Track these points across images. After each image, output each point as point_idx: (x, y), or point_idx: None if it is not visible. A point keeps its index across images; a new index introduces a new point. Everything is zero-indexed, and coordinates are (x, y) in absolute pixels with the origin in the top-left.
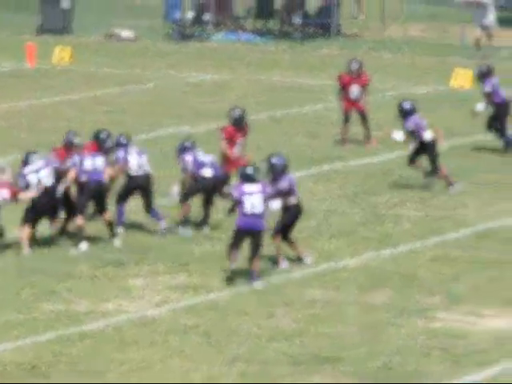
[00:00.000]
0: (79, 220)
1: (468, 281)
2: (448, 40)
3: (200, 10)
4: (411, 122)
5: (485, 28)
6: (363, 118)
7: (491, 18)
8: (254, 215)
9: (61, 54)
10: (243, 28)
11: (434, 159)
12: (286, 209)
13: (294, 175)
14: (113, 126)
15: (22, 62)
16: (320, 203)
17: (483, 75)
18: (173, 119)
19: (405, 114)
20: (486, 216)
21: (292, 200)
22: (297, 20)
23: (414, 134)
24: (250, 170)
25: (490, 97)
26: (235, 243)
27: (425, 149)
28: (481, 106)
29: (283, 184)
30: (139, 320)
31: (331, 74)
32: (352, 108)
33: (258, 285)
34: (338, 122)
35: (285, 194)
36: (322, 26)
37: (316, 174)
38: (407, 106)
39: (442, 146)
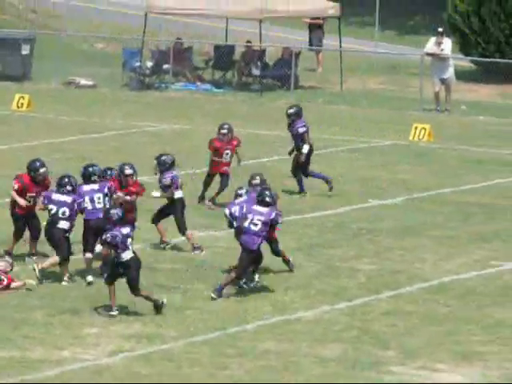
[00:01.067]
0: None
1: (422, 335)
2: (407, 93)
3: (159, 60)
4: (168, 176)
5: (444, 82)
6: (224, 180)
7: (451, 71)
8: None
9: (20, 100)
10: (202, 79)
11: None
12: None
13: None
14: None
15: None
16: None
17: None
18: None
19: (164, 168)
20: (442, 271)
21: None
22: (256, 71)
23: (168, 188)
24: None
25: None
26: None
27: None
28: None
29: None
30: (94, 368)
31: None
32: (217, 171)
33: None
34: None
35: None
36: (281, 77)
37: None
38: (168, 160)
39: (395, 200)
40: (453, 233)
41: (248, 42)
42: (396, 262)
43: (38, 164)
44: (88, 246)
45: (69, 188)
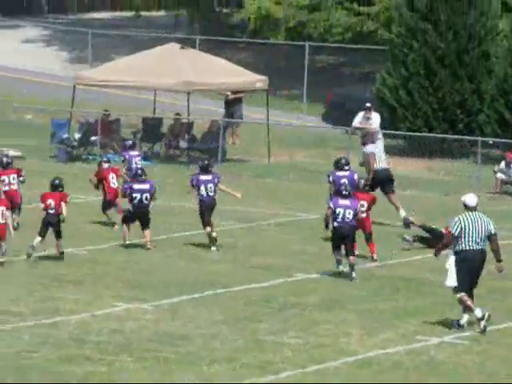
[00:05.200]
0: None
1: None
2: None
3: (87, 132)
4: None
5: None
6: None
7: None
8: None
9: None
10: None
11: None
12: None
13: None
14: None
15: None
16: (201, 329)
17: None
18: None
19: None
20: (368, 345)
21: None
22: (183, 144)
23: None
24: None
25: None
26: None
27: None
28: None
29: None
30: None
31: None
32: None
33: None
34: (225, 247)
35: None
36: (208, 150)
37: (198, 299)
38: None
39: (322, 274)
40: (379, 307)
41: (177, 114)
42: (322, 336)
43: None
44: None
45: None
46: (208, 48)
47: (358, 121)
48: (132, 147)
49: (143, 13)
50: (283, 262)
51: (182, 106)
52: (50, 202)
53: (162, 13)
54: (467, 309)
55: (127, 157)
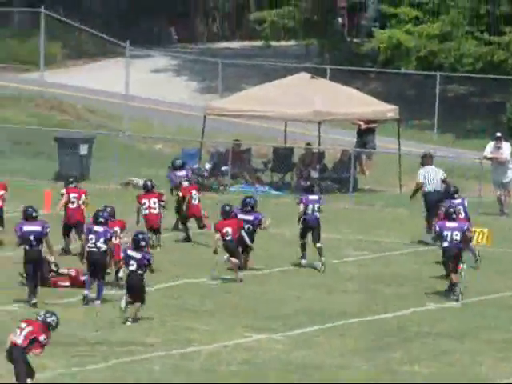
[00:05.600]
0: None
1: None
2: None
3: (218, 162)
4: None
5: (504, 186)
6: None
7: (510, 175)
8: None
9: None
10: (260, 181)
11: None
12: None
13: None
14: None
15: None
16: (333, 358)
17: None
18: None
19: None
20: (502, 373)
21: None
22: (314, 174)
23: None
24: None
25: None
26: None
27: None
28: None
29: None
30: None
31: (345, 228)
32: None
33: None
34: (357, 277)
35: None
36: (340, 180)
37: (330, 329)
38: None
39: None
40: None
41: (308, 144)
42: (454, 365)
43: None
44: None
45: None
46: (338, 78)
47: (488, 150)
48: (181, 167)
49: (273, 42)
50: (415, 291)
51: (312, 135)
52: (227, 229)
53: (292, 42)
54: None
55: (173, 177)
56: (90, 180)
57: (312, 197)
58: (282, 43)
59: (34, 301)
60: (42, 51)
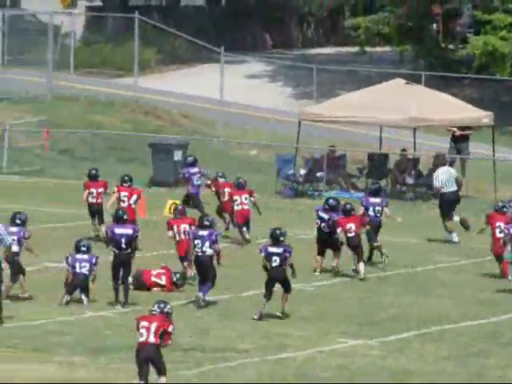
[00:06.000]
0: None
1: None
2: None
3: (313, 168)
4: None
5: None
6: None
7: None
8: None
9: (172, 207)
10: (356, 187)
11: None
12: None
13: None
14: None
15: None
16: (427, 364)
17: None
18: None
19: None
20: None
21: None
22: (409, 180)
23: None
24: None
25: None
26: None
27: None
28: None
29: None
30: None
31: (439, 234)
32: None
33: None
34: (451, 283)
35: None
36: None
37: (425, 335)
38: None
39: None
40: None
41: (403, 150)
42: None
43: None
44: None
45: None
46: (433, 84)
47: None
48: (193, 164)
49: (368, 48)
50: (510, 297)
51: (407, 141)
52: (350, 225)
53: (386, 48)
54: None
55: (187, 175)
56: (184, 186)
57: (373, 199)
58: (377, 49)
59: (117, 306)
60: (137, 57)
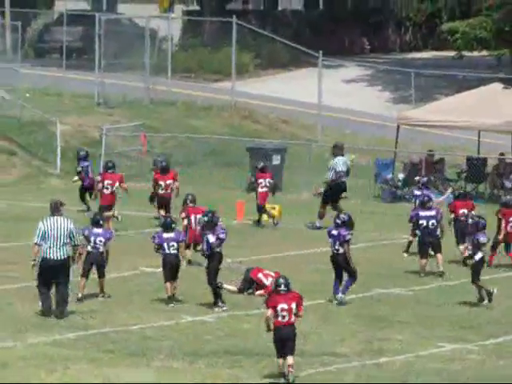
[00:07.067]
0: None
1: None
2: None
3: (411, 172)
4: None
5: None
6: None
7: None
8: None
9: (270, 211)
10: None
11: None
12: None
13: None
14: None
15: (230, 218)
16: None
17: None
18: None
19: None
20: None
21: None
22: (508, 184)
23: None
24: None
25: None
26: None
27: None
28: None
29: None
30: None
31: None
32: None
33: None
34: None
35: None
36: None
37: None
38: None
39: None
40: None
41: (501, 154)
42: None
43: None
44: None
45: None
46: None
47: None
48: (85, 158)
49: (465, 53)
50: None
51: (505, 145)
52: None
53: (484, 53)
54: None
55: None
56: (283, 190)
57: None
58: (475, 53)
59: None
60: (234, 61)
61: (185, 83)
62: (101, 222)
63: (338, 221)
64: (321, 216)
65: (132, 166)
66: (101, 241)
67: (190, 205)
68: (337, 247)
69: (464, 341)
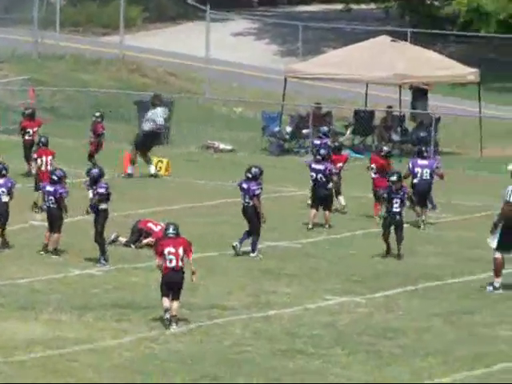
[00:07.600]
0: None
1: None
2: None
3: (299, 125)
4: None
5: None
6: None
7: None
8: None
9: (158, 164)
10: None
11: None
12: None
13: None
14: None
15: (118, 170)
16: (414, 321)
17: None
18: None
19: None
20: None
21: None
22: (395, 137)
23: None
24: None
25: None
26: None
27: None
28: None
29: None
30: None
31: None
32: None
33: None
34: (438, 240)
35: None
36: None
37: (412, 292)
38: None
39: None
40: None
41: (389, 107)
42: None
43: None
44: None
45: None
46: (419, 41)
47: None
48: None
49: (353, 6)
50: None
51: (393, 98)
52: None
53: (371, 5)
54: None
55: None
56: (170, 144)
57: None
58: (362, 6)
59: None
60: (122, 14)
61: (73, 37)
62: (3, 171)
63: (249, 174)
64: (132, 163)
65: (19, 119)
66: (3, 191)
67: (43, 147)
68: (247, 200)
69: (352, 294)
